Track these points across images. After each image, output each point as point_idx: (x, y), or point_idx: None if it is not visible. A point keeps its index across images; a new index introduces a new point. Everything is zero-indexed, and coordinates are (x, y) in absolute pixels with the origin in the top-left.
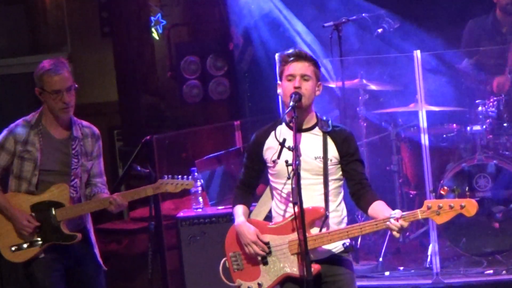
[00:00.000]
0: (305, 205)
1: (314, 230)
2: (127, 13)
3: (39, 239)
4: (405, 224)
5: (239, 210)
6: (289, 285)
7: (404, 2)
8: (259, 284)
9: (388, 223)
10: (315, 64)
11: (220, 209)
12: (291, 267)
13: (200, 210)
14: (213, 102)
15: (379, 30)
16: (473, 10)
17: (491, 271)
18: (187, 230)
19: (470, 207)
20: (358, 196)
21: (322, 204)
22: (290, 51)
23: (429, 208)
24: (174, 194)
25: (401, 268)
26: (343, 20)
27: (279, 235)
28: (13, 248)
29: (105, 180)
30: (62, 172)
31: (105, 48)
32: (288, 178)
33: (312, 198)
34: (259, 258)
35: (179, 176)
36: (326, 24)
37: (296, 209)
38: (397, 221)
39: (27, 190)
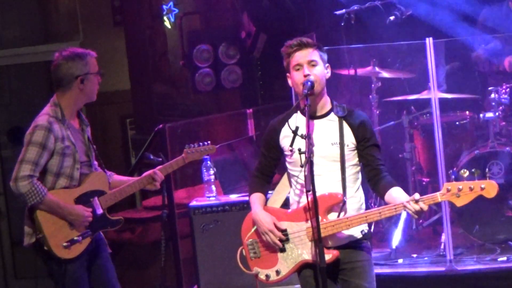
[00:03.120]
0: (322, 192)
1: (332, 216)
2: (139, 1)
3: (89, 229)
4: (424, 207)
5: (256, 198)
6: (306, 271)
7: None
8: (277, 272)
9: (407, 206)
10: (319, 48)
11: (233, 197)
12: (309, 253)
13: (213, 198)
14: (226, 90)
15: (391, 18)
16: None
17: (505, 258)
18: (200, 218)
19: (490, 188)
20: (375, 182)
21: (340, 190)
22: (291, 41)
23: (448, 190)
24: (187, 183)
25: (415, 255)
26: (356, 7)
27: (296, 222)
28: (64, 245)
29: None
30: (88, 162)
31: (117, 37)
32: (301, 166)
33: (330, 184)
34: (275, 245)
35: (200, 144)
36: (338, 12)
37: (310, 196)
38: (416, 204)
39: (65, 185)
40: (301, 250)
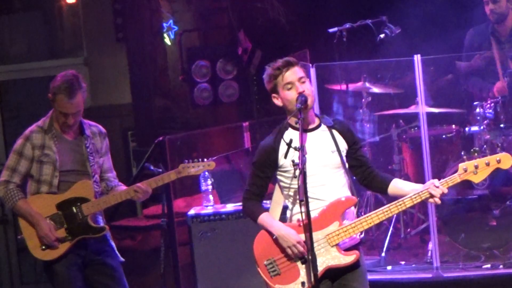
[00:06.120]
0: (332, 199)
1: (346, 220)
2: (140, 19)
3: (68, 235)
4: (446, 190)
5: (269, 217)
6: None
7: (405, 9)
8: (302, 283)
9: (430, 191)
10: (300, 64)
11: (230, 206)
12: (334, 258)
13: (210, 207)
14: (223, 104)
15: (382, 36)
16: (472, 16)
17: (489, 265)
18: (198, 226)
19: (506, 159)
20: (371, 179)
21: (349, 194)
22: (277, 63)
23: (465, 170)
24: (186, 193)
25: (403, 262)
26: (348, 26)
27: (314, 232)
28: (43, 247)
29: (115, 174)
30: (80, 172)
31: (119, 53)
32: (295, 177)
33: (337, 190)
34: (298, 258)
35: (199, 159)
36: (331, 30)
37: (304, 206)
38: (438, 187)
39: (48, 192)
40: (324, 257)
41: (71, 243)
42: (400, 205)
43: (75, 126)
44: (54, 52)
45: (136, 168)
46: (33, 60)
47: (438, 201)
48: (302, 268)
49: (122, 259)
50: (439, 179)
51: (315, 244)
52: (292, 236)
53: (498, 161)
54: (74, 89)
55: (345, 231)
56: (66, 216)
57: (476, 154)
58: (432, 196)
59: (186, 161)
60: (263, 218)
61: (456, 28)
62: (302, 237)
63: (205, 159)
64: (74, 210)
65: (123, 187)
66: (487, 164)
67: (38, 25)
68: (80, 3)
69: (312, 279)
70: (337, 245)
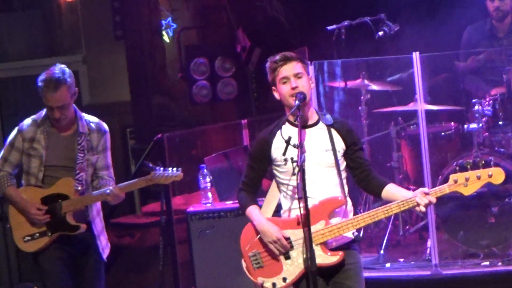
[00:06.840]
0: (323, 197)
1: (335, 220)
2: (139, 17)
3: (48, 230)
4: (433, 200)
5: (255, 211)
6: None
7: (403, 6)
8: (283, 279)
9: (417, 199)
10: (302, 60)
11: (228, 204)
12: (318, 257)
13: (209, 205)
14: (222, 102)
15: (380, 33)
16: (471, 14)
17: (487, 263)
18: (197, 224)
19: (497, 175)
20: (367, 181)
21: (340, 194)
22: (276, 57)
23: (456, 181)
24: (185, 190)
25: (402, 260)
26: (346, 23)
27: (299, 229)
28: (25, 239)
29: (111, 172)
30: (67, 167)
31: (118, 51)
32: (294, 174)
33: (327, 190)
34: (281, 253)
35: (170, 168)
36: (330, 27)
37: (302, 203)
38: (426, 197)
39: (36, 185)
40: (307, 255)
41: (49, 238)
42: (387, 210)
43: (66, 121)
44: (53, 50)
45: (134, 165)
46: (32, 58)
47: (423, 209)
48: (285, 264)
49: (105, 260)
50: (437, 178)
51: (300, 242)
52: (273, 232)
53: (490, 176)
54: (58, 83)
55: (330, 231)
56: (48, 210)
57: (469, 166)
58: (418, 204)
59: (158, 168)
60: (250, 211)
61: (455, 26)
62: (287, 233)
63: (177, 168)
64: (56, 205)
65: (109, 187)
66: (478, 178)
67: (37, 23)
68: (79, 1)
69: (311, 267)
70: (323, 243)
